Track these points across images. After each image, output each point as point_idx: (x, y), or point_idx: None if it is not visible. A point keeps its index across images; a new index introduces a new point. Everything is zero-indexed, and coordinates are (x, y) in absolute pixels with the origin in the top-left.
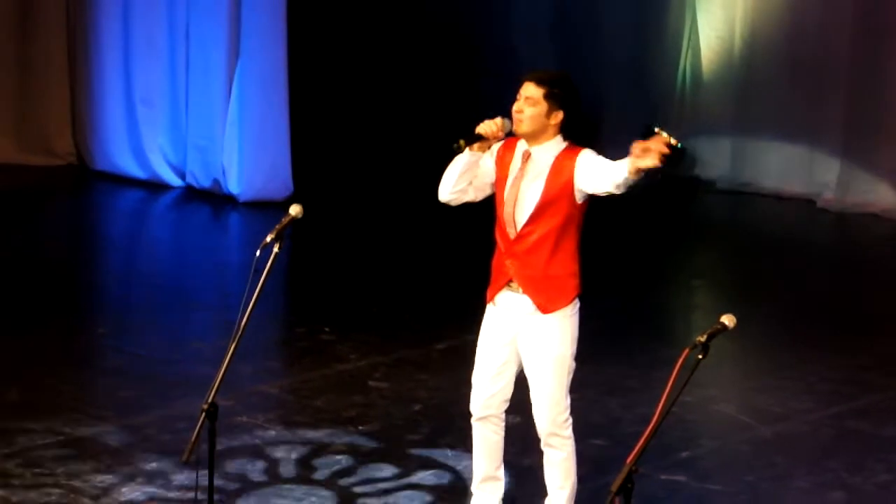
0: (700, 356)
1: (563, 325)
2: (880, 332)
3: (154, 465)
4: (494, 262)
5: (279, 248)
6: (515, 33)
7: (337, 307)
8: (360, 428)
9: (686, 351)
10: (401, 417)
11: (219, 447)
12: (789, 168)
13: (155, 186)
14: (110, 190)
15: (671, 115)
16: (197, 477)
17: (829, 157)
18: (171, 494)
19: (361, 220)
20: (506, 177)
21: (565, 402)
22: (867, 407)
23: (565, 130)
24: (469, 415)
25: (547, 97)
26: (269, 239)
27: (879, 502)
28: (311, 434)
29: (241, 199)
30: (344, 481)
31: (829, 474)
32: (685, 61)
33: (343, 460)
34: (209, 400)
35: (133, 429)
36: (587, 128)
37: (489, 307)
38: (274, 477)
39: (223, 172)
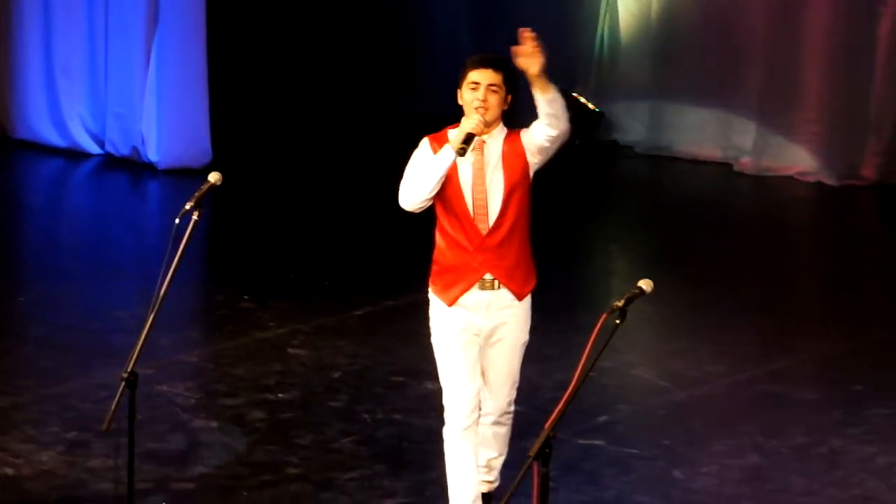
0: (617, 321)
1: (529, 310)
2: (797, 295)
3: (75, 433)
4: (451, 263)
5: (198, 216)
6: None
7: (256, 275)
8: (280, 396)
9: (604, 316)
10: (320, 385)
11: (139, 416)
12: (706, 132)
13: (74, 155)
14: (31, 158)
15: (589, 80)
16: (117, 445)
17: (745, 120)
18: (92, 463)
19: (280, 188)
20: (455, 172)
21: (517, 383)
22: (783, 370)
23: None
24: (440, 435)
25: (506, 82)
26: (188, 207)
27: (795, 465)
28: (231, 402)
29: (161, 166)
30: (264, 449)
31: (745, 438)
32: (603, 26)
33: (263, 428)
34: (129, 369)
35: (54, 398)
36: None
37: (447, 310)
38: (194, 445)
39: (142, 140)
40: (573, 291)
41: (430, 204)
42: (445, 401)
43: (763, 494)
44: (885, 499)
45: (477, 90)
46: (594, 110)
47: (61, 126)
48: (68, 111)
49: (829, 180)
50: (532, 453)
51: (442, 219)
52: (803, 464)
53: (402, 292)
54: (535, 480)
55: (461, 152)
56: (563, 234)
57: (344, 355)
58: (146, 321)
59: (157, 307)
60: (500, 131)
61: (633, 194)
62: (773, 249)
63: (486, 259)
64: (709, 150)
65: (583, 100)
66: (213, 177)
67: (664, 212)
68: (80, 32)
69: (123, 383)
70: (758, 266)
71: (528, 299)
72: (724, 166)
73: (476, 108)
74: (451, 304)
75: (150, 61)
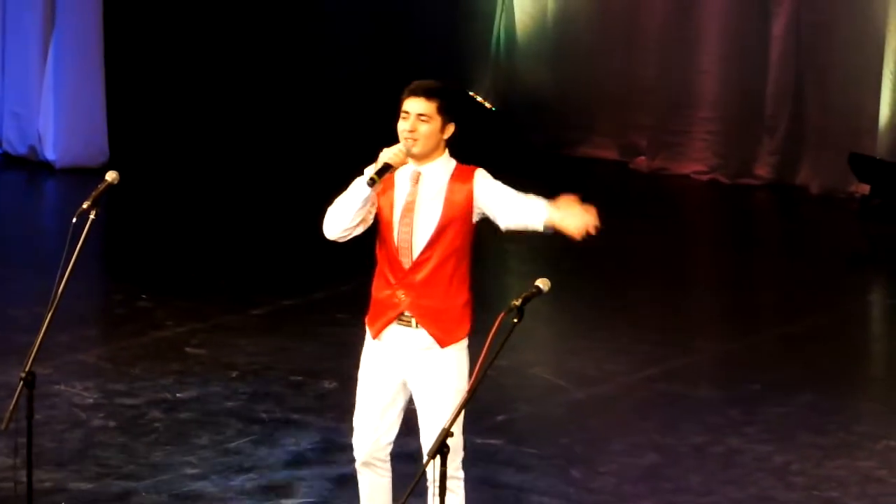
0: (515, 320)
1: (460, 360)
2: (694, 294)
3: None
4: (378, 295)
5: (95, 215)
6: None
7: (153, 274)
8: (178, 395)
9: (501, 315)
10: (218, 384)
11: (37, 416)
12: (602, 130)
13: None
14: None
15: (486, 79)
16: (16, 445)
17: (641, 118)
18: None
19: (177, 187)
20: (391, 202)
21: (461, 442)
22: (681, 368)
23: (452, 144)
24: (352, 459)
25: (440, 111)
26: (85, 206)
27: (693, 463)
28: (129, 402)
29: (58, 165)
30: (162, 449)
31: (642, 436)
32: (499, 25)
33: (161, 428)
34: (27, 368)
35: None
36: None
37: (372, 343)
38: (92, 446)
39: (39, 139)
40: (471, 290)
41: (355, 234)
42: (354, 432)
43: (661, 494)
44: (781, 497)
45: (407, 119)
46: (490, 109)
47: None
48: None
49: (724, 179)
50: (430, 452)
51: (377, 248)
52: (700, 463)
53: (301, 292)
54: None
55: (370, 182)
56: None
57: (242, 354)
58: (44, 320)
59: (54, 306)
60: (444, 163)
61: (530, 193)
62: (670, 248)
63: (407, 294)
64: (604, 148)
65: (479, 99)
66: (111, 176)
67: None
68: None
69: (21, 383)
70: (655, 265)
71: (457, 349)
72: (620, 165)
73: (405, 139)
74: (374, 336)
75: (46, 60)
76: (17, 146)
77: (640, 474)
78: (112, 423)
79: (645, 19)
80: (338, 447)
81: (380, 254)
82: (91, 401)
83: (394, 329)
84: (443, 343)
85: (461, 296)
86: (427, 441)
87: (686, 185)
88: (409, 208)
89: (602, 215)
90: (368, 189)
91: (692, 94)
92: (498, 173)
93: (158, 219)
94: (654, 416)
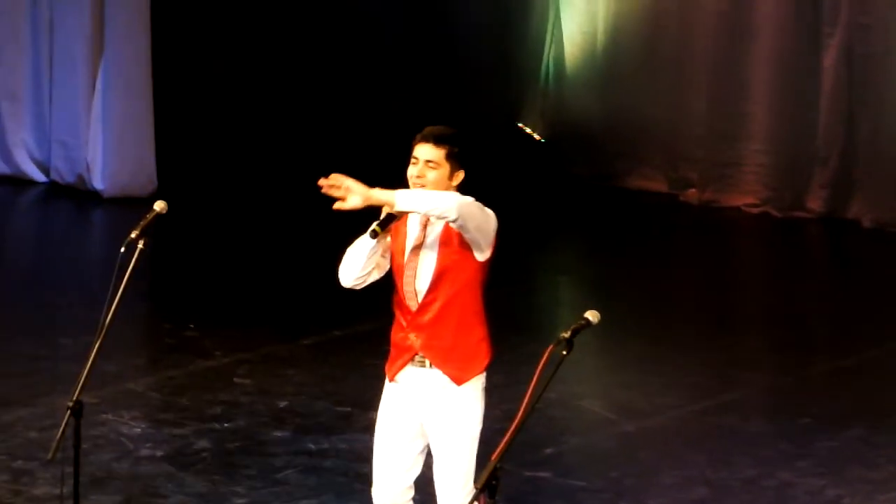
0: (564, 352)
1: (476, 399)
2: (744, 327)
3: (20, 462)
4: (394, 338)
5: (144, 245)
6: (374, 24)
7: (202, 304)
8: (226, 425)
9: (550, 347)
10: (266, 414)
11: (84, 445)
12: (652, 163)
13: (19, 182)
14: None
15: (535, 111)
16: (62, 475)
17: (691, 150)
18: (37, 492)
19: (226, 216)
20: (402, 248)
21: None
22: (732, 402)
23: (461, 190)
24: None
25: (449, 157)
26: (133, 235)
27: (744, 497)
28: (177, 431)
29: (106, 194)
30: (210, 478)
31: (693, 470)
32: (548, 56)
33: (208, 457)
34: (74, 397)
35: None
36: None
37: (389, 385)
38: (139, 475)
39: (87, 168)
40: (520, 321)
41: (370, 281)
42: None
43: None
44: None
45: (416, 165)
46: (539, 141)
47: (5, 153)
48: (13, 138)
49: (776, 212)
50: (478, 485)
51: (392, 293)
52: (752, 497)
53: (349, 322)
54: None
55: (372, 234)
56: (509, 264)
57: (290, 385)
58: (91, 349)
59: (102, 335)
60: None
61: (579, 225)
62: (721, 281)
63: (418, 336)
64: (655, 181)
65: (528, 131)
66: (159, 205)
67: (611, 242)
68: (25, 59)
69: (69, 412)
70: (705, 297)
71: (473, 386)
72: (670, 197)
73: (413, 185)
74: (391, 379)
75: (95, 89)
76: (65, 175)
77: None
78: (159, 453)
79: (695, 50)
80: None
81: (394, 298)
82: (139, 430)
83: (409, 371)
84: (458, 380)
85: (475, 332)
86: (440, 484)
87: (737, 218)
88: (415, 252)
89: (652, 248)
90: (372, 240)
91: (743, 126)
92: (544, 204)
93: (207, 248)
94: (704, 450)
